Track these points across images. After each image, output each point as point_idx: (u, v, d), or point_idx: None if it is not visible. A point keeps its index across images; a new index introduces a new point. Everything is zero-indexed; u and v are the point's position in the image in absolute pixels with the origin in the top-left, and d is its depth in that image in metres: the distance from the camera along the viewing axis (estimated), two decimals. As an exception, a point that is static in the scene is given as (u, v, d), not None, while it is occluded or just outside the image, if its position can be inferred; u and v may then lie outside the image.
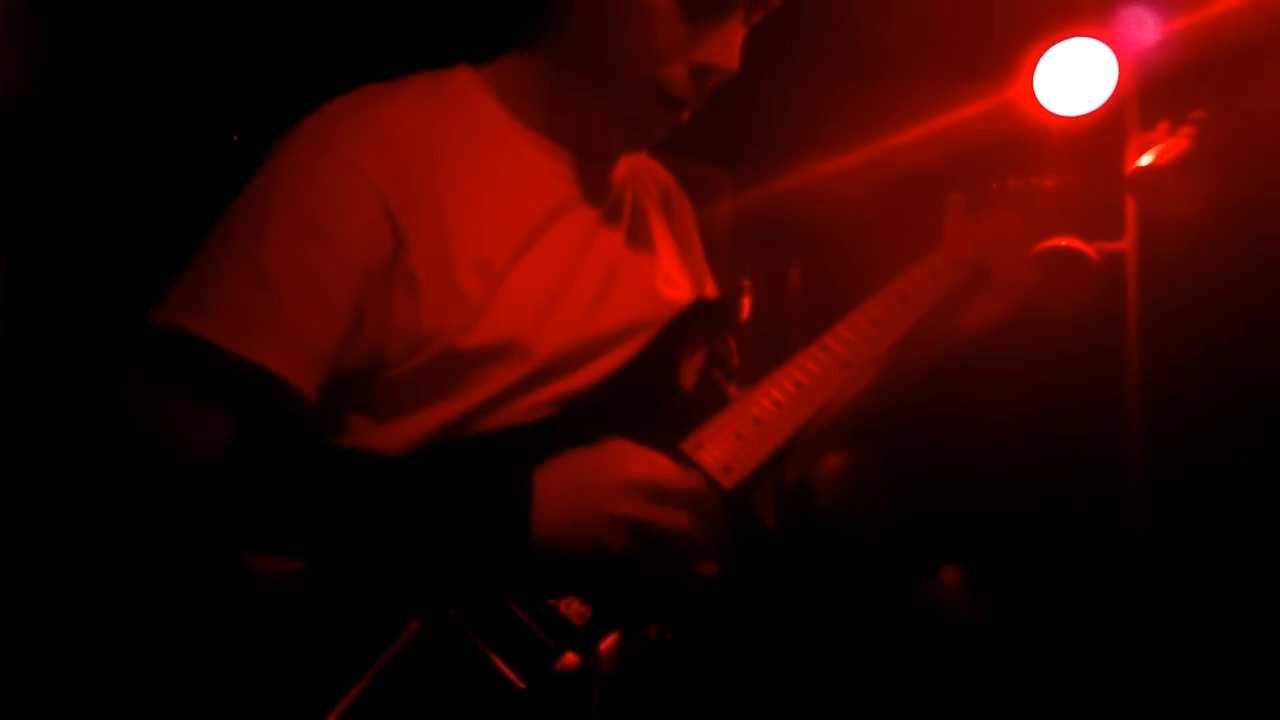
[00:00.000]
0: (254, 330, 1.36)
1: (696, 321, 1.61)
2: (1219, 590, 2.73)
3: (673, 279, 1.67)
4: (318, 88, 1.51)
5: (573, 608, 1.38)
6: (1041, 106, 2.64)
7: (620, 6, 1.46)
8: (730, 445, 1.50)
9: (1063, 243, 1.82)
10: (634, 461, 1.40)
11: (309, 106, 1.48)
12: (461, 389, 1.44)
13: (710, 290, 1.81)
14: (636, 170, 1.69)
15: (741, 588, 1.51)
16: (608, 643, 1.38)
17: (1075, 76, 2.61)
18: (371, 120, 1.45)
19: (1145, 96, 2.66)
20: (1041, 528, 3.08)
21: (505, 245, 1.47)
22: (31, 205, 2.38)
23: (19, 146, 2.37)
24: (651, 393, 1.54)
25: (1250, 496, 2.70)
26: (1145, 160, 1.92)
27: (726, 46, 1.48)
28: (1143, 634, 2.78)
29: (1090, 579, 2.99)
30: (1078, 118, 2.62)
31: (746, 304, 1.66)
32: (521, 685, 1.33)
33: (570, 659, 1.36)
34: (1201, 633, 2.73)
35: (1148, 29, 2.63)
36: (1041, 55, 2.63)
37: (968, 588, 3.14)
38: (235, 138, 2.48)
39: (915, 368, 1.81)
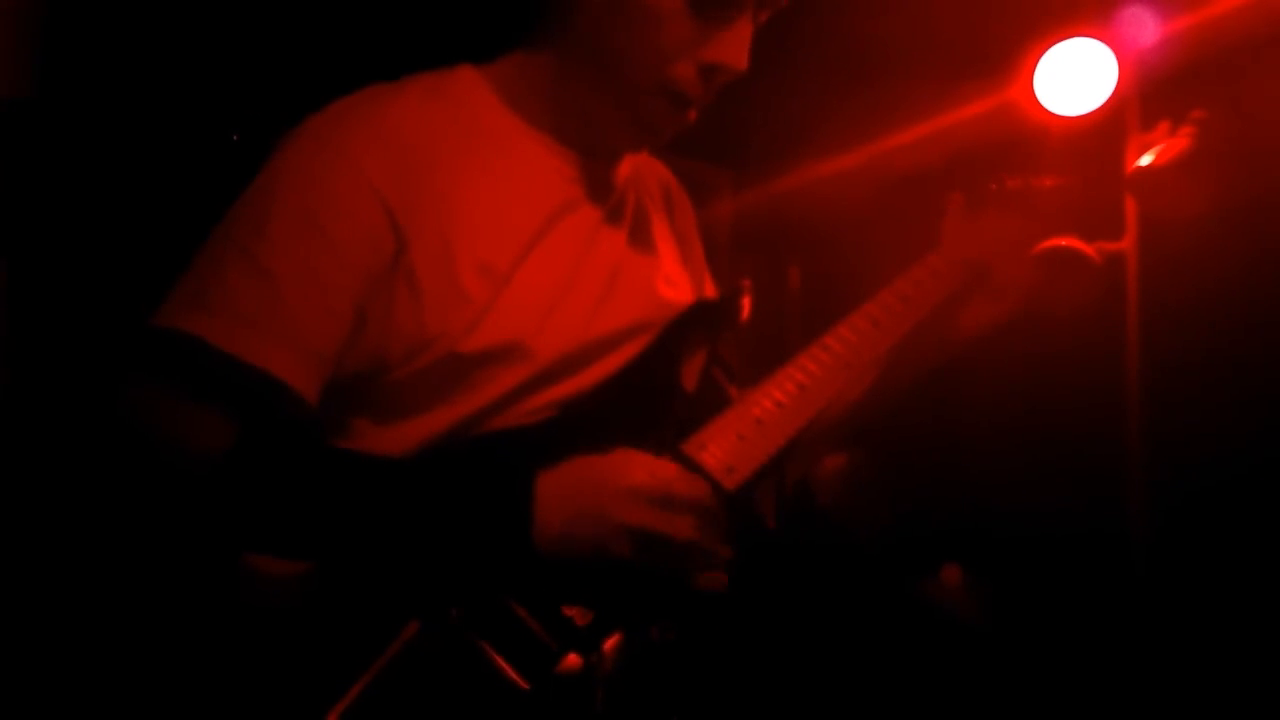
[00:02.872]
0: (255, 332, 1.35)
1: (697, 322, 1.61)
2: (1219, 591, 2.73)
3: (673, 280, 1.66)
4: (320, 88, 1.51)
5: (575, 609, 1.38)
6: (1041, 106, 2.64)
7: (628, 6, 1.45)
8: (732, 446, 1.50)
9: (1063, 243, 1.82)
10: (639, 469, 1.39)
11: (311, 107, 1.48)
12: (463, 391, 1.44)
13: (710, 291, 1.81)
14: (639, 169, 1.69)
15: (743, 588, 1.51)
16: (610, 643, 1.38)
17: (1075, 76, 2.61)
18: (374, 120, 1.45)
19: (1145, 96, 2.66)
20: (1041, 528, 3.08)
21: (508, 246, 1.47)
22: (32, 206, 2.38)
23: (19, 147, 2.37)
24: (653, 394, 1.54)
25: (1251, 498, 2.70)
26: (1145, 160, 1.92)
27: (735, 45, 1.47)
28: (1142, 634, 2.78)
29: (1089, 579, 2.99)
30: (1078, 118, 2.62)
31: (746, 304, 1.66)
32: (524, 686, 1.33)
33: (573, 660, 1.36)
34: (1201, 633, 2.73)
35: (1148, 29, 2.63)
36: (1041, 55, 2.63)
37: (968, 588, 3.14)
38: (235, 138, 2.48)
39: (916, 368, 1.81)
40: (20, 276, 2.36)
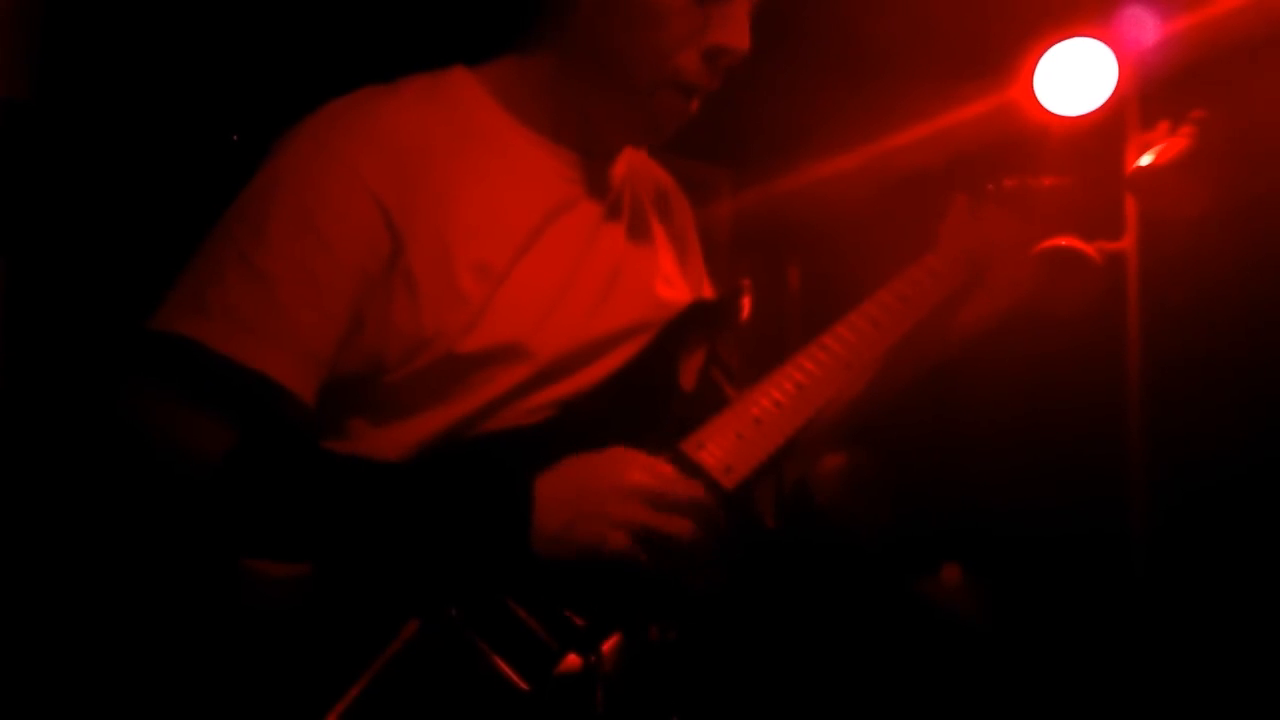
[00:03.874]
0: (251, 334, 1.35)
1: (695, 322, 1.60)
2: (1218, 590, 2.73)
3: (671, 280, 1.66)
4: (316, 89, 1.51)
5: (574, 609, 1.37)
6: (1041, 106, 2.64)
7: (626, 4, 1.45)
8: (731, 445, 1.50)
9: (1063, 243, 1.82)
10: (636, 468, 1.39)
11: (308, 107, 1.48)
12: (461, 392, 1.44)
13: (708, 291, 1.80)
14: (635, 169, 1.69)
15: (742, 587, 1.51)
16: (610, 643, 1.38)
17: (1075, 76, 2.61)
18: (369, 121, 1.45)
19: (1145, 96, 2.67)
20: (1041, 528, 3.08)
21: (504, 246, 1.47)
22: (31, 206, 2.38)
23: (18, 149, 2.37)
24: (651, 394, 1.53)
25: (1251, 498, 2.70)
26: (1145, 160, 1.92)
27: (736, 25, 1.47)
28: (1141, 633, 2.78)
29: (1089, 579, 3.00)
30: (1078, 118, 2.62)
31: (746, 304, 1.66)
32: (524, 687, 1.33)
33: (573, 660, 1.36)
34: (1200, 632, 2.73)
35: (1148, 29, 2.64)
36: (1041, 55, 2.63)
37: (968, 587, 3.14)
38: (234, 139, 2.48)
39: (915, 368, 1.80)
40: (20, 276, 2.36)
